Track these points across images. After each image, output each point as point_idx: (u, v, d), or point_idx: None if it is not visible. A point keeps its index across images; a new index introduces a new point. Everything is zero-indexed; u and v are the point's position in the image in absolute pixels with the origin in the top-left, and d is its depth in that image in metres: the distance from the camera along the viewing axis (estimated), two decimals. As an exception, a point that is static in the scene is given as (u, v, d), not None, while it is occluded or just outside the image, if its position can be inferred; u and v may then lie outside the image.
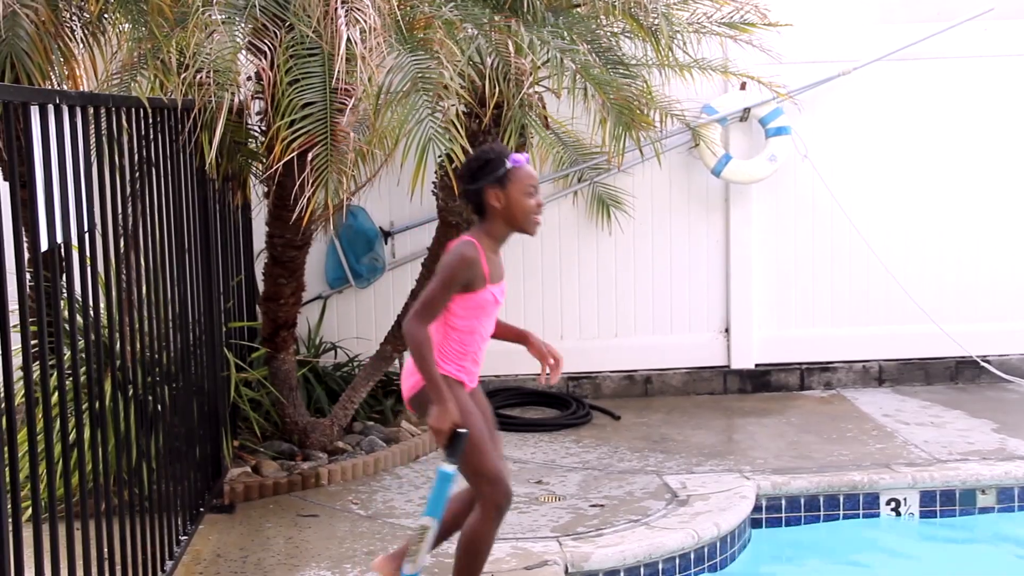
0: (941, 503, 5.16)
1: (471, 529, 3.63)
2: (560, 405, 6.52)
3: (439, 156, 4.61)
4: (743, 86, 6.55)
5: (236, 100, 4.23)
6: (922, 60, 6.80)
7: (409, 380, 3.63)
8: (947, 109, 6.92)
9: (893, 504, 5.14)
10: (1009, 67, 6.91)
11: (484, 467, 3.58)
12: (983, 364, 6.95)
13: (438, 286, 3.49)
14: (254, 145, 4.92)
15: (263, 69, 4.14)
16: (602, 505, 4.91)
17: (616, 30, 5.55)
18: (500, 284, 3.64)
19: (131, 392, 3.64)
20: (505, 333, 3.85)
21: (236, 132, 4.64)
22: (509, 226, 3.58)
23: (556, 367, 3.79)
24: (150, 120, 3.87)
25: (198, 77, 3.91)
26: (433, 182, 5.51)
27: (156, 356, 3.93)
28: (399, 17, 4.34)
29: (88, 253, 3.26)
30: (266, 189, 5.07)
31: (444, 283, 3.48)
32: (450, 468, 3.49)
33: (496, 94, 4.82)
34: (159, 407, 3.96)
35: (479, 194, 3.56)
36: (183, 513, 4.32)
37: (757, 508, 5.02)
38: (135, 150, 3.75)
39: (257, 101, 4.88)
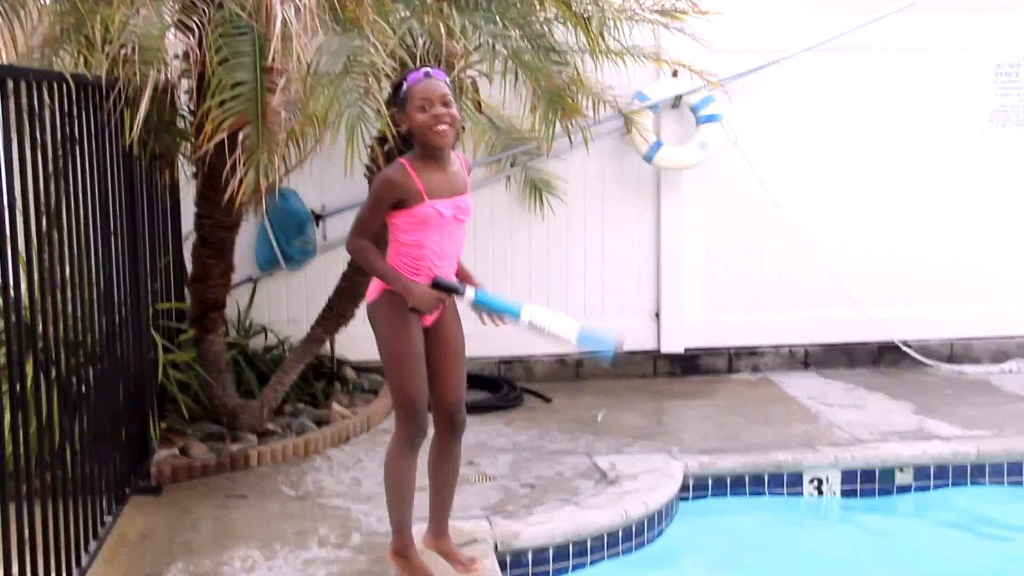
0: (862, 481, 5.28)
1: (387, 457, 3.78)
2: (492, 388, 6.55)
3: (370, 138, 4.62)
4: (675, 73, 6.61)
5: (164, 78, 4.19)
6: (851, 51, 6.92)
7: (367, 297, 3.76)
8: (875, 100, 7.06)
9: (816, 483, 5.25)
10: (934, 59, 7.07)
11: (403, 392, 3.67)
12: (904, 349, 7.11)
13: (366, 206, 3.65)
14: (183, 124, 4.87)
15: (191, 47, 4.11)
16: (532, 485, 4.96)
17: (549, 16, 5.57)
18: (451, 199, 3.63)
19: (54, 374, 3.60)
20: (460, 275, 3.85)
21: (164, 111, 4.59)
22: (420, 145, 3.63)
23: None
24: (73, 96, 3.82)
25: (123, 53, 3.86)
26: (366, 164, 5.49)
27: (80, 337, 3.88)
28: (331, -1, 4.32)
29: (8, 231, 3.21)
30: (195, 169, 5.02)
31: (371, 203, 3.64)
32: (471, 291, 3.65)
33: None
34: (83, 388, 3.92)
35: (394, 118, 3.70)
36: (108, 495, 4.28)
37: (684, 487, 5.09)
38: (57, 126, 3.69)
39: (186, 80, 4.83)
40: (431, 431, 3.84)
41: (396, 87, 3.70)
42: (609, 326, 6.71)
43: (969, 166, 7.16)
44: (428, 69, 3.65)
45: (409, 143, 3.75)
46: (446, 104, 3.57)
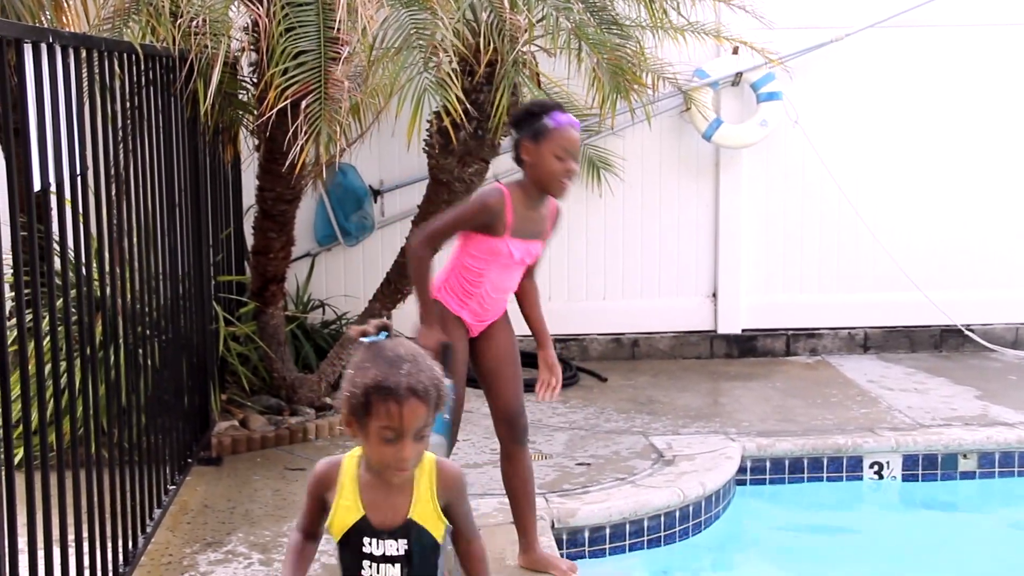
0: (923, 467, 5.21)
1: None
2: (547, 366, 6.52)
3: (433, 111, 4.61)
4: (735, 51, 6.53)
5: (230, 50, 4.19)
6: (915, 27, 6.79)
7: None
8: (939, 78, 6.92)
9: (876, 467, 5.19)
10: (1002, 36, 6.91)
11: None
12: (967, 333, 6.99)
13: (450, 218, 3.57)
14: (245, 97, 4.88)
15: (258, 16, 4.10)
16: (588, 464, 4.94)
17: (611, -10, 5.52)
18: (527, 242, 3.56)
19: (120, 341, 3.63)
20: (531, 322, 3.79)
21: (228, 83, 4.61)
22: (536, 183, 3.53)
23: (553, 387, 3.74)
24: (142, 67, 3.84)
25: (192, 25, 3.87)
26: (424, 139, 5.48)
27: (145, 308, 3.91)
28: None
29: (80, 200, 3.23)
30: (257, 142, 5.04)
31: (456, 217, 3.57)
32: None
33: (490, 50, 4.80)
34: (147, 359, 3.95)
35: (517, 145, 3.54)
36: (171, 464, 4.32)
37: (742, 469, 5.05)
38: (127, 97, 3.71)
39: (249, 53, 4.84)
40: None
41: (530, 115, 3.53)
42: (665, 306, 6.85)
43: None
44: (571, 116, 3.54)
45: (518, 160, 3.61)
46: (576, 159, 3.53)
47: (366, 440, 2.20)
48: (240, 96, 4.86)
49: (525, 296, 3.79)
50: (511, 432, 3.74)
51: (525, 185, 3.55)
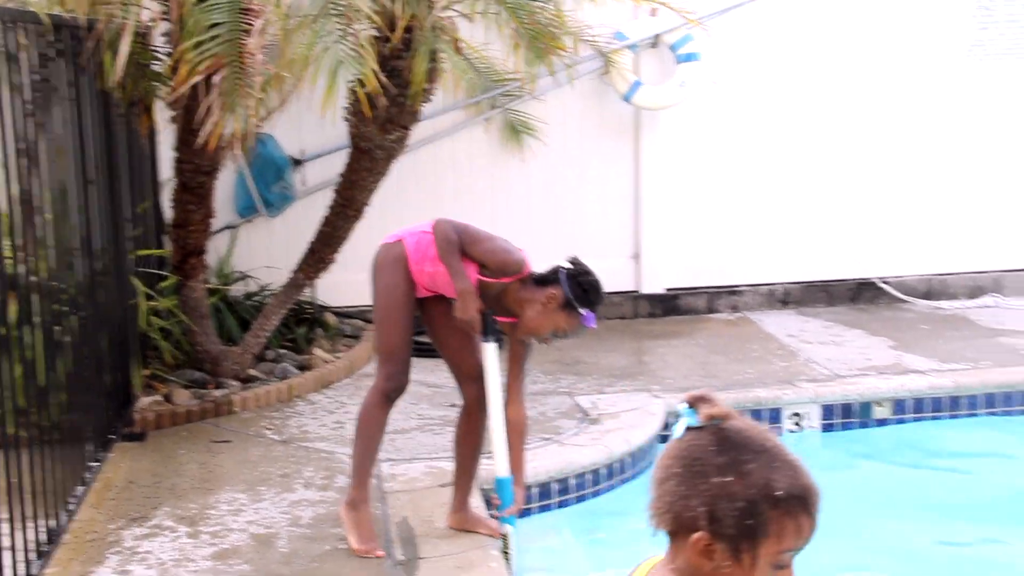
0: (841, 416, 5.36)
1: (362, 406, 3.79)
2: (473, 331, 6.56)
3: (350, 80, 4.58)
4: (654, 12, 6.57)
5: (141, 20, 4.12)
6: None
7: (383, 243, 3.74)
8: (853, 35, 7.04)
9: (795, 418, 5.33)
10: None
11: (389, 345, 3.70)
12: (881, 286, 7.18)
13: (484, 243, 3.59)
14: (160, 68, 4.81)
15: (168, -13, 4.04)
16: (515, 426, 4.99)
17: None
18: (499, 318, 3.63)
19: (37, 320, 3.58)
20: (513, 445, 3.78)
21: (140, 54, 4.54)
22: (524, 310, 3.57)
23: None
24: (50, 38, 3.76)
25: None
26: (345, 108, 5.44)
27: (60, 284, 3.86)
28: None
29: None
30: (173, 115, 4.97)
31: (485, 247, 3.58)
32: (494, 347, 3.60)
33: (408, 16, 4.77)
34: (65, 335, 3.91)
35: (555, 280, 3.54)
36: (93, 441, 4.29)
37: (666, 425, 5.15)
38: (34, 68, 3.64)
39: (163, 23, 4.76)
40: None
41: (584, 292, 3.55)
42: (590, 267, 6.89)
43: (947, 101, 7.18)
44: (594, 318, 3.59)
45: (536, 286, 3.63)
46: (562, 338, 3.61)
47: (741, 569, 1.46)
48: (154, 67, 4.78)
49: (510, 428, 3.78)
50: (480, 392, 3.76)
51: (521, 293, 3.58)
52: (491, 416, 3.68)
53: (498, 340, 3.63)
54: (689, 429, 1.49)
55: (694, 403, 1.49)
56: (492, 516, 3.84)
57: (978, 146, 7.24)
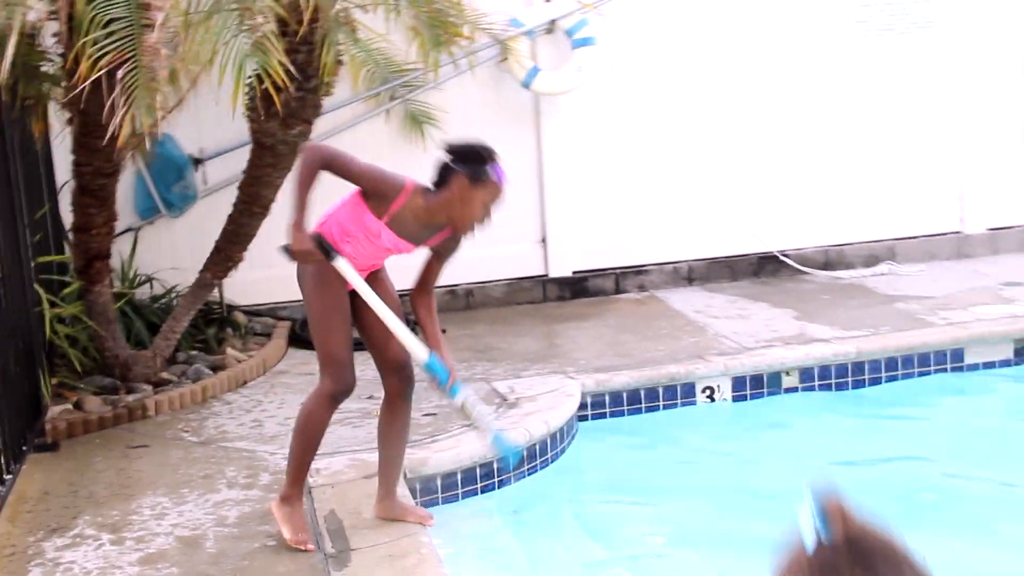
0: (751, 387, 5.50)
1: (304, 409, 3.76)
2: (386, 323, 6.55)
3: (250, 74, 4.54)
4: (548, -2, 6.63)
5: (28, 20, 4.02)
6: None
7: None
8: (744, 12, 7.20)
9: (708, 392, 5.45)
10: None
11: (326, 350, 3.68)
12: (782, 259, 7.38)
13: (356, 165, 3.53)
14: (51, 69, 4.69)
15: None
16: (434, 414, 5.01)
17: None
18: (399, 239, 3.60)
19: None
20: (425, 326, 3.79)
21: (30, 55, 4.42)
22: (448, 214, 3.56)
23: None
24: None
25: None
26: (245, 103, 5.38)
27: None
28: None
29: None
30: (69, 116, 4.85)
31: (359, 169, 3.53)
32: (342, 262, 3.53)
33: (310, 8, 4.74)
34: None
35: (448, 172, 3.53)
36: (4, 454, 4.18)
37: (583, 405, 5.23)
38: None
39: (51, 24, 4.64)
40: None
41: (477, 155, 3.56)
42: (497, 254, 6.95)
43: (835, 76, 7.39)
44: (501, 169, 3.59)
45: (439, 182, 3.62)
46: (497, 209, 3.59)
47: None
48: (44, 68, 4.66)
49: (419, 303, 3.79)
50: (401, 382, 3.80)
51: (432, 201, 3.56)
52: (383, 314, 3.61)
53: (334, 256, 3.55)
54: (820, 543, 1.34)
55: (828, 514, 1.34)
56: (437, 390, 3.75)
57: (867, 119, 7.47)
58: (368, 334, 3.80)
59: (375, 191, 3.56)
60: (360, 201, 3.61)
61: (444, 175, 3.57)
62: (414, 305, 3.79)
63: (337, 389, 3.70)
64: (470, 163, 3.55)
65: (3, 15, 3.84)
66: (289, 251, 3.55)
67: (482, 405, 3.78)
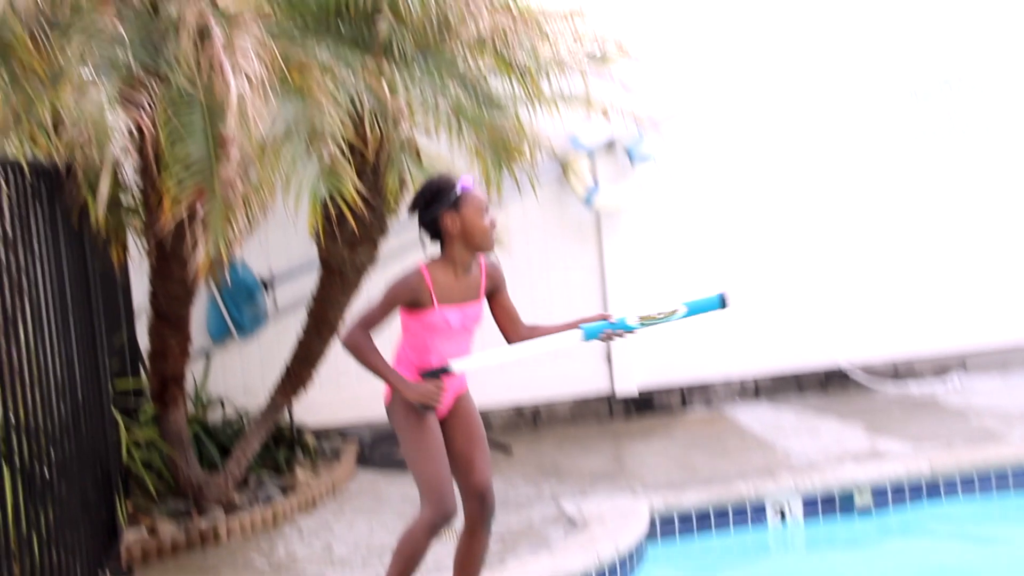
0: (823, 507, 5.38)
1: (406, 532, 3.77)
2: (451, 442, 6.55)
3: (322, 198, 4.65)
4: (606, 115, 6.73)
5: (114, 156, 4.17)
6: (775, 78, 7.15)
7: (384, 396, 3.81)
8: (806, 126, 7.27)
9: (779, 511, 5.34)
10: (860, 82, 7.31)
11: (425, 479, 3.71)
12: (849, 372, 7.28)
13: (376, 304, 3.68)
14: (131, 201, 4.85)
15: (142, 123, 4.10)
16: (503, 537, 4.97)
17: (484, 67, 5.67)
18: (461, 307, 3.71)
19: (17, 462, 3.53)
20: (544, 331, 3.91)
21: (114, 189, 4.58)
22: (468, 246, 3.69)
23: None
24: (27, 181, 3.80)
25: (72, 136, 3.86)
26: (313, 227, 5.50)
27: (41, 423, 3.82)
28: (279, 63, 4.36)
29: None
30: (147, 246, 5.00)
31: (382, 303, 3.68)
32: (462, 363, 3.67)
33: (377, 134, 4.88)
34: (47, 475, 3.86)
35: (436, 221, 3.68)
36: (80, 581, 4.20)
37: (652, 524, 5.15)
38: (14, 213, 3.67)
39: (133, 156, 4.82)
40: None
41: (438, 190, 3.70)
42: (563, 372, 6.95)
43: (900, 187, 7.39)
44: (470, 178, 3.75)
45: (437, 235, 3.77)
46: (490, 212, 3.73)
47: None
48: (125, 201, 4.83)
49: (521, 333, 3.88)
50: (483, 509, 3.84)
51: (451, 255, 3.70)
52: (527, 350, 3.80)
53: (451, 369, 3.65)
54: None
55: None
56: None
57: (934, 226, 7.43)
58: (454, 459, 3.84)
59: (407, 301, 3.67)
60: (409, 318, 3.71)
61: (432, 227, 3.71)
62: (522, 339, 3.87)
63: (437, 517, 3.70)
64: (439, 199, 3.67)
65: (95, 154, 3.99)
66: (422, 407, 3.65)
67: (649, 311, 3.82)
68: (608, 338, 3.82)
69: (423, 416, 3.71)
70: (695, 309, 3.80)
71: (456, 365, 3.67)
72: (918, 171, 7.42)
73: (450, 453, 3.81)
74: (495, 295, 3.87)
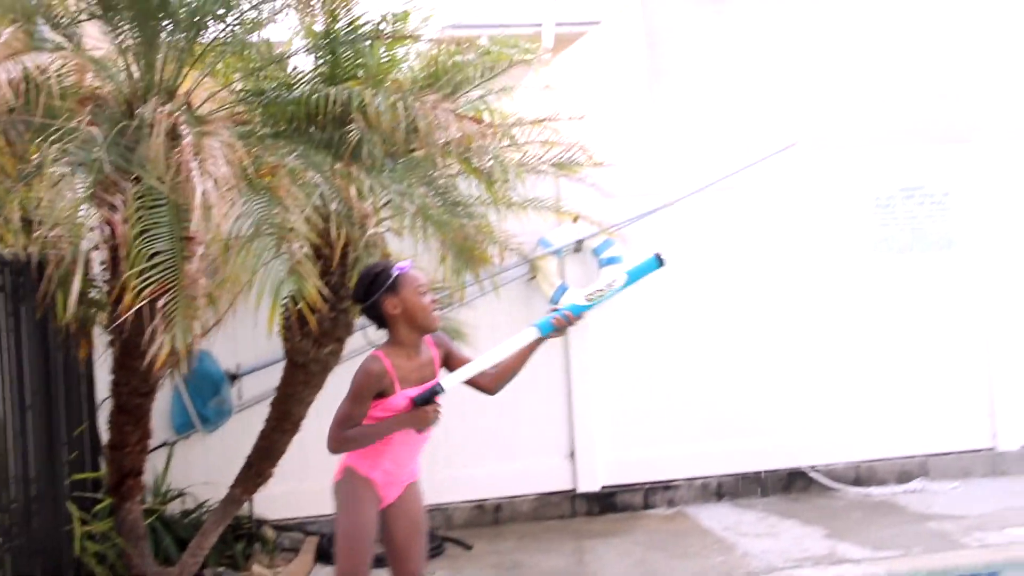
0: (781, 611, 5.40)
1: None
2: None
3: (284, 297, 4.72)
4: (575, 220, 6.89)
5: (84, 252, 4.25)
6: (738, 189, 7.32)
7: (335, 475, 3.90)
8: (767, 234, 7.43)
9: (737, 616, 5.35)
10: (818, 193, 7.49)
11: (346, 555, 3.80)
12: (812, 475, 7.32)
13: (349, 402, 3.77)
14: (97, 295, 4.91)
15: (113, 221, 4.19)
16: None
17: (453, 172, 5.81)
18: (421, 388, 3.81)
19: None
20: (515, 362, 4.05)
21: (81, 283, 4.64)
22: (412, 327, 3.82)
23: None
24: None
25: (43, 233, 3.94)
26: (280, 323, 5.57)
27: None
28: (247, 167, 4.47)
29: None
30: (111, 338, 5.04)
31: (353, 398, 3.77)
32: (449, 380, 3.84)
33: (342, 236, 4.98)
34: None
35: (377, 307, 3.80)
36: (26, 677, 4.16)
37: (609, 628, 5.14)
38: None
39: (99, 251, 4.89)
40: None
41: (376, 277, 3.86)
42: (525, 468, 6.97)
43: (859, 294, 7.53)
44: (407, 261, 3.91)
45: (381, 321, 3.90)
46: (430, 292, 3.87)
47: None
48: (91, 294, 4.89)
49: (488, 374, 3.99)
50: None
51: (397, 338, 3.84)
52: (491, 357, 3.96)
53: (441, 389, 3.78)
54: None
55: None
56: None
57: (896, 334, 7.55)
58: (393, 545, 3.94)
59: (377, 389, 3.76)
60: (373, 409, 3.79)
61: (375, 314, 3.85)
62: (495, 378, 4.03)
63: None
64: (377, 286, 3.82)
65: (70, 251, 4.07)
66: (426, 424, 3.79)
67: (593, 286, 4.05)
68: (563, 325, 3.96)
69: (366, 506, 3.78)
70: (636, 274, 4.03)
71: (446, 383, 3.79)
72: (879, 278, 7.56)
73: (390, 539, 3.92)
74: (450, 360, 4.01)
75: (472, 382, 3.97)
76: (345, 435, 3.76)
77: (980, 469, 7.54)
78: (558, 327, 3.94)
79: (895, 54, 9.19)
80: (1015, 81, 9.27)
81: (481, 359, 3.94)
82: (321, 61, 5.42)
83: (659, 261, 3.99)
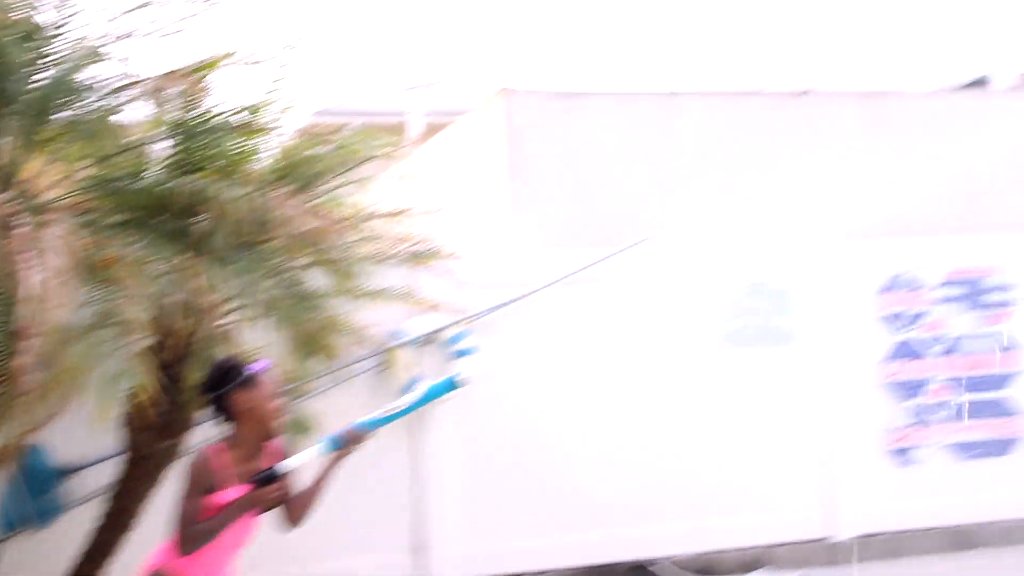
0: None
1: None
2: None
3: (121, 390, 4.58)
4: (433, 309, 6.90)
5: None
6: (595, 282, 7.48)
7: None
8: (618, 325, 7.55)
9: None
10: (672, 285, 7.69)
11: None
12: (651, 569, 7.39)
13: (184, 501, 3.67)
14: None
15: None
16: None
17: (304, 264, 5.76)
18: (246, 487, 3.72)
19: None
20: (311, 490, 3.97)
21: None
22: (258, 428, 3.74)
23: None
24: None
25: None
26: (119, 415, 5.37)
27: None
28: (90, 255, 4.35)
29: None
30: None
31: (188, 495, 3.67)
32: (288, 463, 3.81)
33: (187, 328, 4.87)
34: None
35: (225, 399, 3.71)
36: None
37: None
38: None
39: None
40: None
41: (231, 370, 3.77)
42: (370, 563, 6.81)
43: (710, 384, 7.70)
44: (265, 360, 3.86)
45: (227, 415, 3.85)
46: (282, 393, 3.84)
47: None
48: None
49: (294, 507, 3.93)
50: None
51: (240, 437, 3.76)
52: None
53: (280, 471, 3.74)
54: None
55: None
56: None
57: (743, 425, 7.73)
58: None
59: (204, 484, 3.67)
60: (209, 501, 3.69)
61: (222, 406, 3.77)
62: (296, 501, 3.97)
63: None
64: (229, 379, 3.75)
65: None
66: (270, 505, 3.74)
67: (379, 411, 4.12)
68: (353, 442, 3.96)
69: None
70: (431, 395, 4.17)
71: (292, 463, 3.76)
72: (729, 369, 7.73)
73: None
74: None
75: (286, 507, 3.92)
76: (193, 532, 3.64)
77: (818, 559, 7.73)
78: (352, 444, 3.97)
79: (742, 157, 9.57)
80: (852, 185, 9.74)
81: (300, 454, 3.91)
82: (173, 150, 5.35)
83: (454, 384, 4.22)
